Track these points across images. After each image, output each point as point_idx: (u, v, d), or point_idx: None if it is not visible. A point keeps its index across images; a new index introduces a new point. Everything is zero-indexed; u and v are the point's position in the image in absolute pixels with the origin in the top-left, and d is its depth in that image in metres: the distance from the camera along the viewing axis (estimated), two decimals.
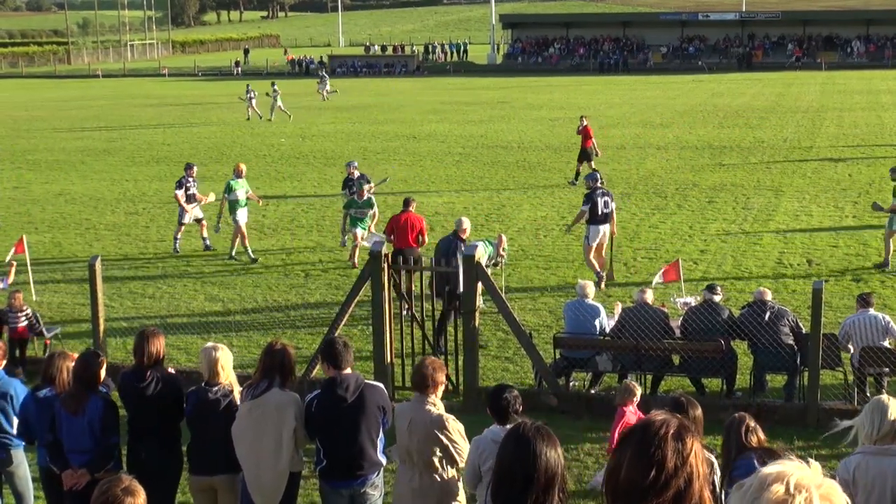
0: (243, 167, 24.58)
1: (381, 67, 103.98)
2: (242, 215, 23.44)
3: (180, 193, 24.29)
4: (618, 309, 15.80)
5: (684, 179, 33.32)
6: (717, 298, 14.94)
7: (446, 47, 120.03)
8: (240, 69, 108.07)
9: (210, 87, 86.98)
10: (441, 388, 9.01)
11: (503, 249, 19.36)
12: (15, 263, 17.52)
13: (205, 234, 24.61)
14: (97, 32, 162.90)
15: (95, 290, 15.49)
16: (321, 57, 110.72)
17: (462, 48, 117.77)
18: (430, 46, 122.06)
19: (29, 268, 20.10)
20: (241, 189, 23.71)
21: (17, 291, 16.89)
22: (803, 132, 45.52)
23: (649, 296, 15.12)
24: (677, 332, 14.73)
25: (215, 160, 39.62)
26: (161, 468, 9.49)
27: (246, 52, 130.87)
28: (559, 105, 61.40)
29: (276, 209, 29.59)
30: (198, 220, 24.51)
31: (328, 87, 71.14)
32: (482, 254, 18.50)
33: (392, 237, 19.18)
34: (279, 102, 56.27)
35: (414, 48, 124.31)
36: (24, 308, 16.47)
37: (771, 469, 3.10)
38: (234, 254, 23.54)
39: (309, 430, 9.15)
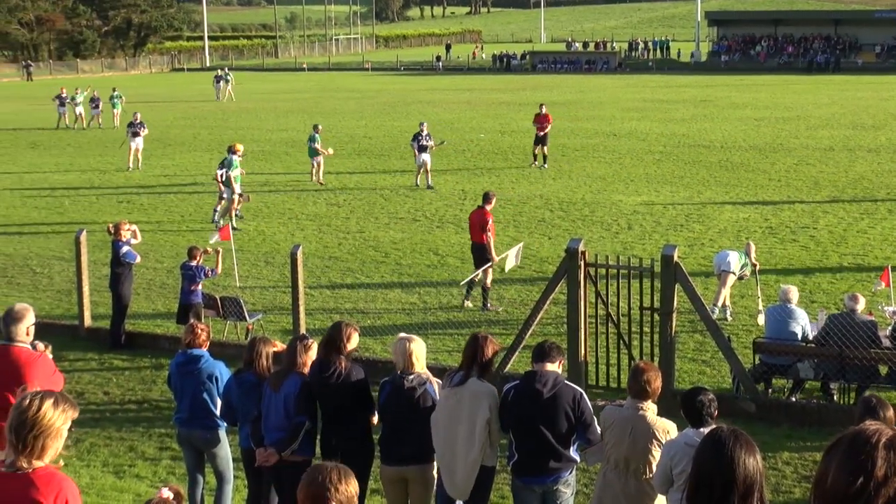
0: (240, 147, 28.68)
1: (582, 64, 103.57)
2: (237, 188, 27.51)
3: (221, 173, 27.24)
4: (821, 315, 15.26)
5: None
6: None
7: (649, 44, 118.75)
8: (441, 64, 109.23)
9: (412, 81, 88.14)
10: (657, 395, 8.87)
11: (754, 257, 18.96)
12: (221, 250, 18.02)
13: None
14: (304, 27, 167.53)
15: (296, 279, 15.84)
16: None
17: (665, 45, 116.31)
18: (633, 43, 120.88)
19: (234, 255, 20.74)
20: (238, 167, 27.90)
21: None
22: None
23: (861, 304, 14.45)
24: (885, 342, 14.11)
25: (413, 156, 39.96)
26: (351, 456, 9.59)
27: (448, 47, 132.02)
28: (765, 105, 59.89)
29: (473, 203, 29.69)
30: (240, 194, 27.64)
31: (229, 89, 71.14)
32: (737, 264, 18.13)
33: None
34: (89, 111, 53.18)
35: (615, 45, 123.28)
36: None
37: None
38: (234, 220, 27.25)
39: (502, 420, 9.13)
